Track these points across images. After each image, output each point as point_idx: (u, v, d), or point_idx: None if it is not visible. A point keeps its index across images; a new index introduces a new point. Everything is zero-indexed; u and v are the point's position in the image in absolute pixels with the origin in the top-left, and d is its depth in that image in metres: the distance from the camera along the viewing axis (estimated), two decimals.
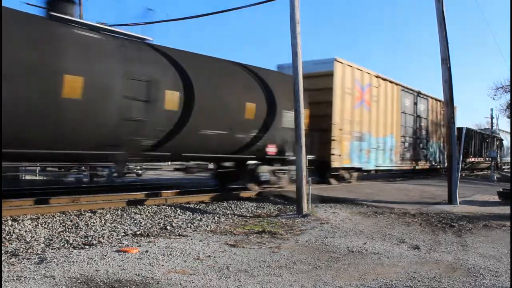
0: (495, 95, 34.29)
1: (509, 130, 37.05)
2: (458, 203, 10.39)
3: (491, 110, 32.21)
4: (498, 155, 32.83)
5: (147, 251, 4.97)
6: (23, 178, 14.86)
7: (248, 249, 5.33)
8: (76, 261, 4.44)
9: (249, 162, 11.11)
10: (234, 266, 4.52)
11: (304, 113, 10.14)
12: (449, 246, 5.80)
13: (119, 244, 5.32)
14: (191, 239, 5.77)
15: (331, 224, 7.20)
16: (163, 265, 4.46)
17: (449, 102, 10.91)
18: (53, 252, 4.83)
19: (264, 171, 11.29)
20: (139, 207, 8.19)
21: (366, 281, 4.17)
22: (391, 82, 16.76)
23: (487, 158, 29.79)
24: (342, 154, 13.44)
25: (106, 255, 4.71)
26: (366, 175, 16.49)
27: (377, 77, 15.66)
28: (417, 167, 19.81)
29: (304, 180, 8.42)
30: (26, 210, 7.16)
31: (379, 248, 5.53)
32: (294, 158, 10.99)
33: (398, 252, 5.38)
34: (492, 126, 31.74)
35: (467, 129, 26.08)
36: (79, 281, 3.84)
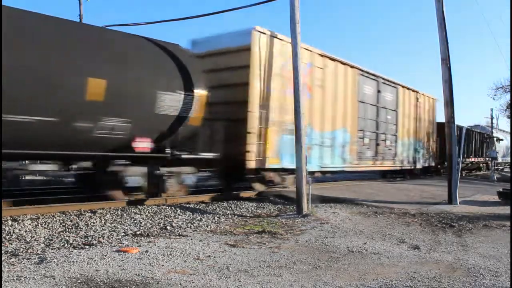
0: (495, 95, 34.38)
1: (509, 130, 37.04)
2: (458, 203, 10.40)
3: (491, 110, 32.24)
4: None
5: (147, 251, 4.97)
6: (23, 178, 14.85)
7: (248, 249, 5.33)
8: (76, 261, 4.44)
9: (116, 161, 8.37)
10: (234, 266, 4.52)
11: (200, 96, 8.49)
12: (449, 246, 5.80)
13: (119, 244, 5.32)
14: (191, 239, 5.77)
15: (331, 224, 7.20)
16: (163, 265, 4.46)
17: (449, 102, 10.92)
18: (53, 252, 4.83)
19: (134, 174, 8.49)
20: (139, 207, 8.19)
21: (366, 281, 4.17)
22: (343, 63, 13.55)
23: (479, 158, 29.17)
24: (267, 151, 10.57)
25: (106, 255, 4.71)
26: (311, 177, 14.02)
27: (322, 56, 12.52)
28: (381, 168, 17.09)
29: (304, 180, 8.42)
30: (26, 210, 7.15)
31: (379, 248, 5.53)
32: (187, 156, 9.02)
33: (398, 252, 5.38)
34: (492, 126, 31.73)
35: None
36: (79, 281, 3.84)
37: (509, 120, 36.22)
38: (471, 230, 7.03)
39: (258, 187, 11.02)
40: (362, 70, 14.60)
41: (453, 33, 47.36)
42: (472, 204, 10.61)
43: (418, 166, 19.49)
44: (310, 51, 12.03)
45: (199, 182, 12.87)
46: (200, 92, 9.04)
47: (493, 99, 39.98)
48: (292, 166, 11.18)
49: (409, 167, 18.63)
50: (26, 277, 3.88)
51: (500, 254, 5.41)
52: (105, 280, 3.89)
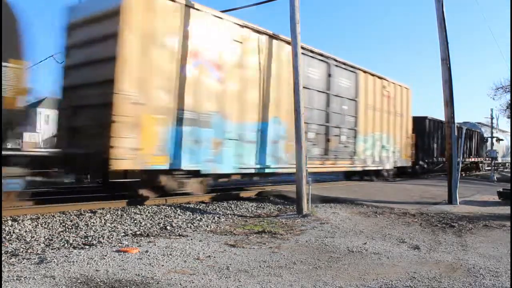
0: (495, 95, 34.39)
1: (509, 130, 37.03)
2: (458, 203, 10.41)
3: (491, 110, 32.23)
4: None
5: (147, 251, 4.97)
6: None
7: (248, 249, 5.33)
8: (76, 261, 4.44)
9: None
10: (234, 266, 4.52)
11: (19, 70, 6.37)
12: (449, 246, 5.80)
13: (119, 244, 5.32)
14: (191, 239, 5.78)
15: (331, 224, 7.20)
16: (163, 265, 4.46)
17: (449, 102, 10.93)
18: (53, 252, 4.83)
19: None
20: (139, 207, 8.19)
21: (366, 281, 4.17)
22: (274, 37, 10.85)
23: (470, 158, 27.81)
24: (147, 147, 7.98)
25: (106, 255, 4.71)
26: (227, 181, 10.83)
27: (241, 26, 9.96)
28: (334, 169, 14.09)
29: (304, 180, 8.42)
30: (26, 210, 7.15)
31: (379, 248, 5.53)
32: None
33: (398, 252, 5.39)
34: (492, 126, 31.69)
35: (431, 119, 22.70)
36: (79, 281, 3.84)
37: (509, 120, 36.25)
38: (471, 230, 7.03)
39: (148, 193, 8.68)
40: (304, 49, 11.50)
41: (453, 33, 47.39)
42: (472, 204, 10.61)
43: (388, 166, 16.59)
44: (221, 18, 9.50)
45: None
46: (19, 64, 6.57)
47: (493, 99, 39.99)
48: (194, 166, 8.85)
49: (374, 168, 15.77)
50: (26, 277, 3.88)
51: (500, 254, 5.41)
52: (105, 280, 3.90)
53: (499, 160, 33.42)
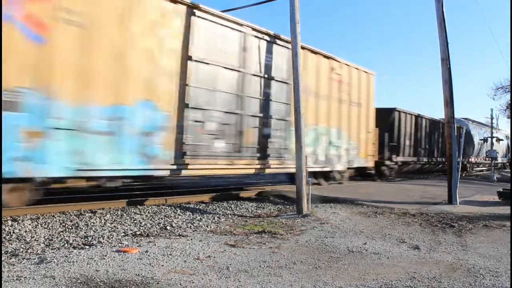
0: (495, 95, 34.44)
1: (509, 130, 37.05)
2: (458, 203, 10.41)
3: (491, 110, 32.29)
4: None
5: (147, 251, 4.97)
6: None
7: (248, 249, 5.33)
8: (76, 261, 4.44)
9: None
10: (234, 266, 4.52)
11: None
12: (449, 246, 5.81)
13: (119, 244, 5.32)
14: (191, 239, 5.78)
15: (331, 224, 7.20)
16: (163, 265, 4.46)
17: (449, 102, 10.93)
18: (53, 252, 4.83)
19: None
20: (139, 207, 8.19)
21: (366, 281, 4.17)
22: None
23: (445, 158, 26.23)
24: None
25: (106, 255, 4.71)
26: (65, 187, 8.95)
27: None
28: (251, 171, 10.52)
29: (304, 180, 8.43)
30: (26, 210, 7.15)
31: (379, 248, 5.53)
32: None
33: (398, 252, 5.39)
34: (492, 125, 31.72)
35: (401, 111, 19.65)
36: (79, 281, 3.84)
37: (509, 120, 36.27)
38: (471, 230, 7.03)
39: None
40: (200, 9, 8.79)
41: (453, 33, 47.32)
42: (472, 204, 10.61)
43: (339, 167, 13.33)
44: None
45: (200, 182, 12.80)
46: None
47: (493, 99, 40.06)
48: None
49: (318, 169, 12.41)
50: (26, 277, 3.88)
51: (500, 254, 5.41)
52: (105, 280, 3.90)
53: (499, 160, 33.36)
